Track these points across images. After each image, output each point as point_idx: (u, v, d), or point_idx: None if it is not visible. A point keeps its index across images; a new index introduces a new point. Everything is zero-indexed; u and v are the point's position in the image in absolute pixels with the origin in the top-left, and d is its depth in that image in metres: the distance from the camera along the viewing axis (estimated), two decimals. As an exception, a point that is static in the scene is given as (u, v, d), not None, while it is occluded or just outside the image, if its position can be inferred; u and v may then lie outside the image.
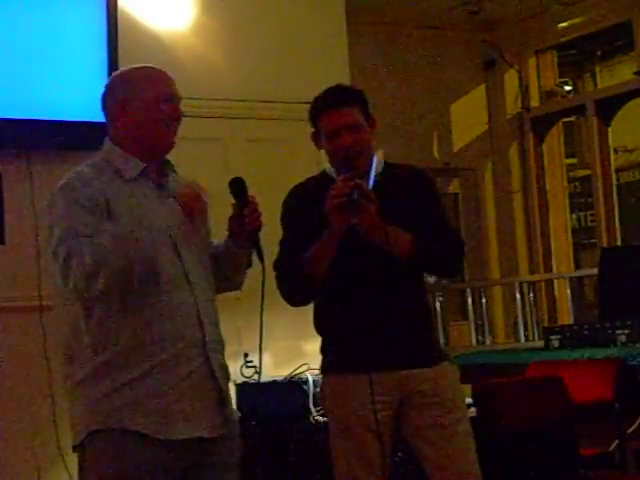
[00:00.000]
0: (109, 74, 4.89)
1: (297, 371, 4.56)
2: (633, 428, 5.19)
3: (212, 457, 2.71)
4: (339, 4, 6.05)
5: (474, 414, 4.27)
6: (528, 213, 8.17)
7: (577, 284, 7.57)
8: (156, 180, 2.79)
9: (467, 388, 4.42)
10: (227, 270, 2.90)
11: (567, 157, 8.55)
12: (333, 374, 3.19)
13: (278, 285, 3.16)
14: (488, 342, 7.42)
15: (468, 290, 7.50)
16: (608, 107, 7.81)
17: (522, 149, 8.22)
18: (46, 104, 4.83)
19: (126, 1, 5.22)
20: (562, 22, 7.82)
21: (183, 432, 2.63)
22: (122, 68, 2.85)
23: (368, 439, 3.08)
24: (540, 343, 6.38)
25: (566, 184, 8.37)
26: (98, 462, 2.63)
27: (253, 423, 4.35)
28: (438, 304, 7.29)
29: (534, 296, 7.35)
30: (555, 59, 8.28)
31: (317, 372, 4.53)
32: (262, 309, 2.85)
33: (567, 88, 8.41)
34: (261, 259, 2.82)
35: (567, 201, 8.34)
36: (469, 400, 4.33)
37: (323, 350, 3.25)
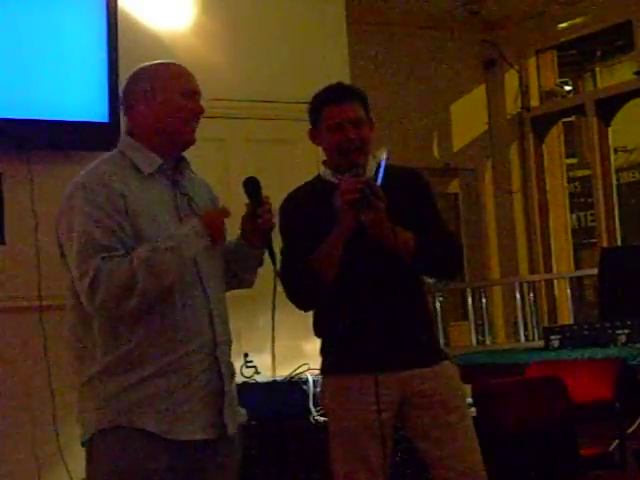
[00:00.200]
0: (109, 74, 4.91)
1: (297, 371, 4.56)
2: (633, 428, 5.19)
3: (215, 458, 2.71)
4: (339, 4, 6.05)
5: (474, 414, 4.27)
6: (528, 213, 8.17)
7: (577, 284, 7.57)
8: (171, 177, 2.78)
9: (467, 388, 4.42)
10: (239, 268, 2.90)
11: (567, 157, 8.55)
12: (335, 375, 3.18)
13: (287, 291, 3.14)
14: (488, 342, 7.42)
15: (468, 290, 7.50)
16: (608, 107, 7.82)
17: (522, 149, 8.22)
18: (46, 104, 4.83)
19: (126, 1, 5.22)
20: (562, 22, 7.83)
21: (191, 433, 2.64)
22: (144, 63, 2.85)
23: (370, 441, 3.08)
24: (540, 343, 6.39)
25: (566, 184, 8.38)
26: (105, 459, 2.64)
27: (253, 423, 4.35)
28: (438, 304, 7.29)
29: (534, 296, 7.35)
30: (555, 59, 8.28)
31: (317, 372, 4.54)
32: (274, 307, 2.86)
33: (567, 88, 8.41)
34: (273, 259, 2.82)
35: (567, 201, 8.34)
36: (469, 400, 4.34)
37: (324, 351, 3.24)
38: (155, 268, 2.56)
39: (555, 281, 7.85)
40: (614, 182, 7.88)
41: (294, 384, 4.49)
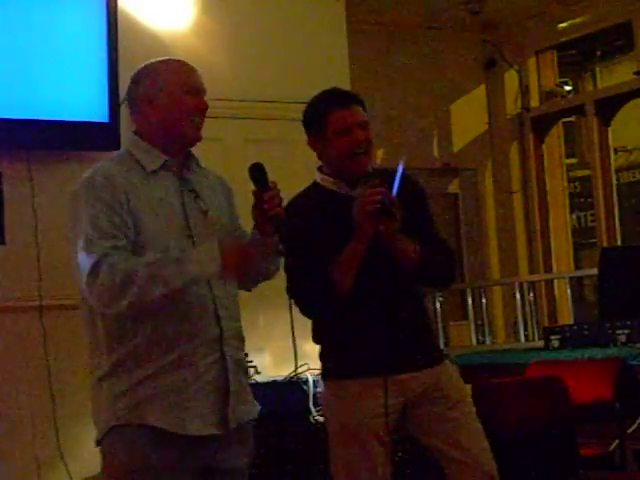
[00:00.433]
0: (109, 74, 4.92)
1: (297, 371, 4.56)
2: (633, 428, 5.18)
3: (224, 454, 2.72)
4: (339, 4, 6.05)
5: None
6: (528, 213, 8.17)
7: (577, 284, 7.57)
8: (178, 173, 2.78)
9: (467, 388, 4.42)
10: (258, 260, 2.84)
11: (567, 157, 8.55)
12: (338, 379, 3.17)
13: (303, 303, 3.13)
14: (488, 342, 7.42)
15: (468, 290, 7.50)
16: (608, 107, 7.81)
17: (522, 149, 8.22)
18: (46, 104, 4.83)
19: (126, 1, 5.22)
20: (562, 22, 7.83)
21: (199, 428, 2.65)
22: (147, 61, 2.85)
23: (374, 443, 3.10)
24: (540, 343, 6.38)
25: (566, 184, 8.37)
26: (117, 456, 2.67)
27: (253, 423, 4.35)
28: (438, 304, 7.29)
29: (534, 296, 7.35)
30: (555, 59, 8.28)
31: (317, 372, 4.54)
32: (291, 304, 2.82)
33: (567, 88, 8.41)
34: (283, 246, 2.76)
35: (567, 201, 8.34)
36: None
37: (325, 356, 3.23)
38: (155, 274, 2.56)
39: (555, 281, 7.85)
40: (614, 182, 7.87)
41: (294, 384, 4.49)
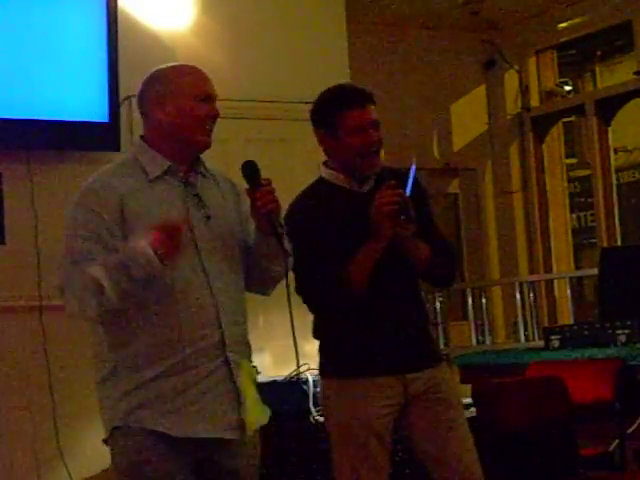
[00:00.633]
0: (109, 74, 4.92)
1: (298, 371, 4.56)
2: (633, 428, 5.19)
3: (227, 460, 2.72)
4: (339, 4, 6.05)
5: (474, 414, 4.27)
6: (528, 213, 8.17)
7: (577, 284, 7.56)
8: (184, 178, 2.77)
9: (467, 388, 4.42)
10: (262, 260, 2.83)
11: (567, 157, 8.54)
12: (341, 379, 3.16)
13: (316, 301, 3.13)
14: (488, 342, 7.41)
15: (468, 290, 7.50)
16: (608, 107, 7.81)
17: (522, 149, 8.22)
18: (46, 104, 4.83)
19: (126, 1, 5.22)
20: (562, 22, 7.82)
21: (200, 432, 2.65)
22: (159, 66, 2.84)
23: (376, 442, 3.10)
24: (540, 343, 6.38)
25: (566, 184, 8.37)
26: (119, 457, 2.69)
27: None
28: (438, 304, 7.28)
29: (534, 296, 7.34)
30: (555, 59, 8.27)
31: (317, 372, 4.54)
32: (289, 298, 2.81)
33: (567, 88, 8.41)
34: (281, 244, 2.74)
35: (567, 201, 8.33)
36: (469, 400, 4.34)
37: (327, 354, 3.23)
38: (114, 270, 2.56)
39: (555, 281, 7.85)
40: (614, 182, 7.87)
41: (294, 384, 4.49)
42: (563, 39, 8.02)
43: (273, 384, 4.44)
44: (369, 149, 3.13)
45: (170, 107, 2.75)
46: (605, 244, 7.62)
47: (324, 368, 3.25)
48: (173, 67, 2.84)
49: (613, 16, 7.54)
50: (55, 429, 4.70)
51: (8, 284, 4.84)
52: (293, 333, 2.76)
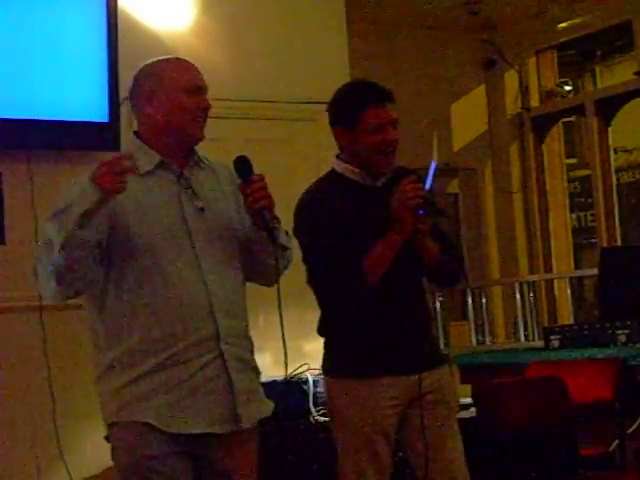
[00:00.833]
0: (109, 74, 4.91)
1: (297, 371, 4.56)
2: (633, 428, 5.19)
3: (221, 455, 2.72)
4: (339, 4, 6.04)
5: (474, 414, 4.27)
6: (528, 213, 8.17)
7: (577, 284, 7.56)
8: (178, 171, 2.76)
9: (467, 388, 4.42)
10: (258, 253, 2.80)
11: (567, 157, 8.55)
12: (348, 379, 3.15)
13: (328, 292, 3.12)
14: (488, 342, 7.41)
15: (468, 290, 7.49)
16: (608, 107, 7.81)
17: (522, 149, 8.22)
18: (46, 104, 4.83)
19: (126, 1, 5.22)
20: (562, 22, 7.82)
21: (192, 427, 2.64)
22: (149, 60, 2.84)
23: (383, 444, 3.11)
24: (540, 343, 6.38)
25: (566, 184, 8.37)
26: (116, 452, 2.70)
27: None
28: (438, 304, 7.28)
29: (534, 296, 7.34)
30: (555, 59, 8.28)
31: (317, 372, 4.54)
32: (279, 293, 2.75)
33: (567, 88, 8.41)
34: (273, 240, 2.72)
35: (567, 201, 8.34)
36: (469, 400, 4.34)
37: (334, 352, 3.21)
38: (47, 235, 2.56)
39: (555, 281, 7.85)
40: (614, 182, 7.87)
41: (294, 384, 4.49)
42: (563, 39, 8.02)
43: (273, 384, 4.44)
44: (387, 147, 3.13)
45: (160, 101, 2.74)
46: (605, 244, 7.62)
47: (330, 367, 3.23)
48: (161, 61, 2.84)
49: (613, 16, 7.54)
50: (55, 429, 4.70)
51: (8, 284, 4.84)
52: (282, 333, 2.74)
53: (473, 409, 4.32)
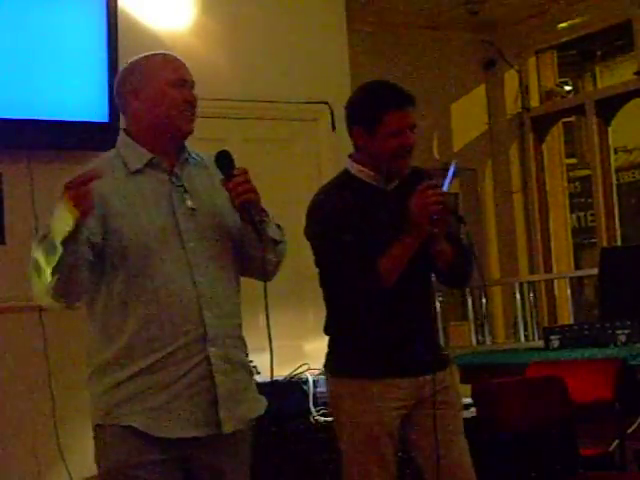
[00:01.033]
0: (109, 74, 4.91)
1: (297, 371, 4.56)
2: (633, 428, 5.19)
3: (211, 456, 2.69)
4: (339, 4, 6.05)
5: (474, 414, 4.27)
6: (528, 213, 8.16)
7: (577, 284, 7.56)
8: (169, 169, 2.74)
9: (467, 388, 4.42)
10: (249, 247, 2.76)
11: (567, 157, 8.54)
12: (356, 379, 3.14)
13: (343, 292, 3.12)
14: (488, 342, 7.41)
15: (468, 290, 7.49)
16: (608, 107, 7.81)
17: (522, 149, 8.21)
18: (46, 104, 4.83)
19: (126, 1, 5.22)
20: (562, 22, 7.82)
21: (179, 431, 2.62)
22: (133, 57, 2.83)
23: (388, 445, 3.12)
24: (540, 343, 6.38)
25: (566, 184, 8.36)
26: (100, 455, 2.70)
27: (253, 423, 4.35)
28: (438, 304, 7.27)
29: (534, 296, 7.34)
30: (555, 59, 8.27)
31: (317, 372, 4.54)
32: (265, 292, 2.73)
33: (567, 88, 8.41)
34: (258, 236, 2.68)
35: (567, 201, 8.33)
36: (469, 400, 4.34)
37: (343, 353, 3.21)
38: (37, 261, 2.56)
39: (555, 281, 7.84)
40: (614, 182, 7.87)
41: (294, 384, 4.49)
42: (563, 39, 8.02)
43: (273, 384, 4.44)
44: (404, 151, 3.14)
45: (145, 96, 2.72)
46: (605, 244, 7.61)
47: (335, 367, 3.23)
48: (146, 56, 2.81)
49: (613, 16, 7.54)
50: (55, 429, 4.70)
51: (8, 284, 4.84)
52: (269, 334, 2.73)
53: (473, 409, 4.32)
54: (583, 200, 8.88)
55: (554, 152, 8.28)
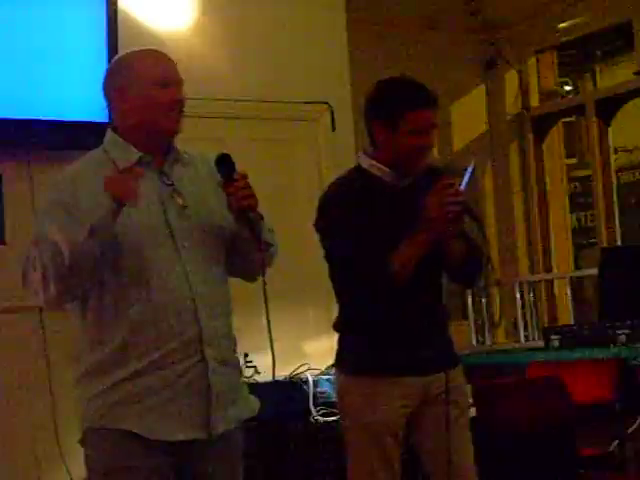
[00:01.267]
0: (109, 74, 4.91)
1: (297, 371, 4.56)
2: (633, 428, 5.18)
3: (205, 458, 2.67)
4: (339, 4, 6.05)
5: (474, 414, 4.27)
6: (528, 213, 8.16)
7: (577, 284, 7.56)
8: (158, 167, 2.71)
9: (467, 388, 4.42)
10: (241, 249, 2.76)
11: (567, 157, 8.54)
12: (366, 377, 3.14)
13: (353, 289, 3.11)
14: (488, 342, 7.41)
15: (468, 290, 7.49)
16: (608, 107, 7.81)
17: (522, 149, 8.21)
18: (46, 104, 4.83)
19: (126, 1, 5.22)
20: (562, 22, 7.82)
21: (174, 433, 2.60)
22: (120, 54, 2.80)
23: (393, 444, 3.12)
24: (540, 343, 6.38)
25: (566, 184, 8.36)
26: (92, 458, 2.64)
27: (253, 423, 4.34)
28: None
29: (534, 296, 7.34)
30: (555, 59, 8.27)
31: (317, 372, 4.54)
32: (265, 292, 2.71)
33: (567, 88, 8.41)
34: (258, 241, 2.66)
35: (567, 201, 8.33)
36: (469, 400, 4.34)
37: (354, 351, 3.20)
38: (53, 247, 2.56)
39: (555, 281, 7.85)
40: (614, 182, 7.87)
41: (294, 384, 4.49)
42: (563, 39, 8.01)
43: (273, 384, 4.44)
44: (422, 150, 3.13)
45: (131, 95, 2.69)
46: (605, 244, 7.61)
47: (345, 365, 3.22)
48: (133, 53, 2.80)
49: (613, 16, 7.53)
50: (55, 429, 4.70)
51: (8, 284, 4.82)
52: (270, 333, 2.72)
53: (473, 409, 4.31)
54: (583, 200, 8.88)
55: (554, 152, 8.27)
